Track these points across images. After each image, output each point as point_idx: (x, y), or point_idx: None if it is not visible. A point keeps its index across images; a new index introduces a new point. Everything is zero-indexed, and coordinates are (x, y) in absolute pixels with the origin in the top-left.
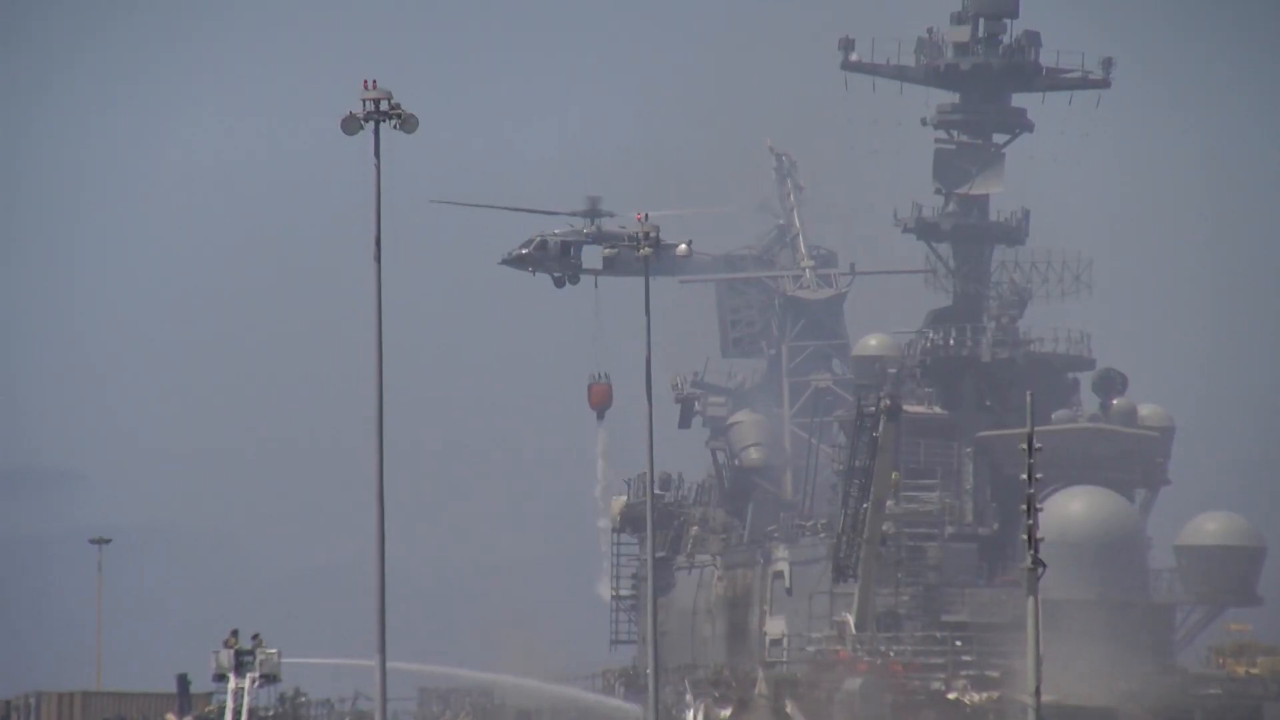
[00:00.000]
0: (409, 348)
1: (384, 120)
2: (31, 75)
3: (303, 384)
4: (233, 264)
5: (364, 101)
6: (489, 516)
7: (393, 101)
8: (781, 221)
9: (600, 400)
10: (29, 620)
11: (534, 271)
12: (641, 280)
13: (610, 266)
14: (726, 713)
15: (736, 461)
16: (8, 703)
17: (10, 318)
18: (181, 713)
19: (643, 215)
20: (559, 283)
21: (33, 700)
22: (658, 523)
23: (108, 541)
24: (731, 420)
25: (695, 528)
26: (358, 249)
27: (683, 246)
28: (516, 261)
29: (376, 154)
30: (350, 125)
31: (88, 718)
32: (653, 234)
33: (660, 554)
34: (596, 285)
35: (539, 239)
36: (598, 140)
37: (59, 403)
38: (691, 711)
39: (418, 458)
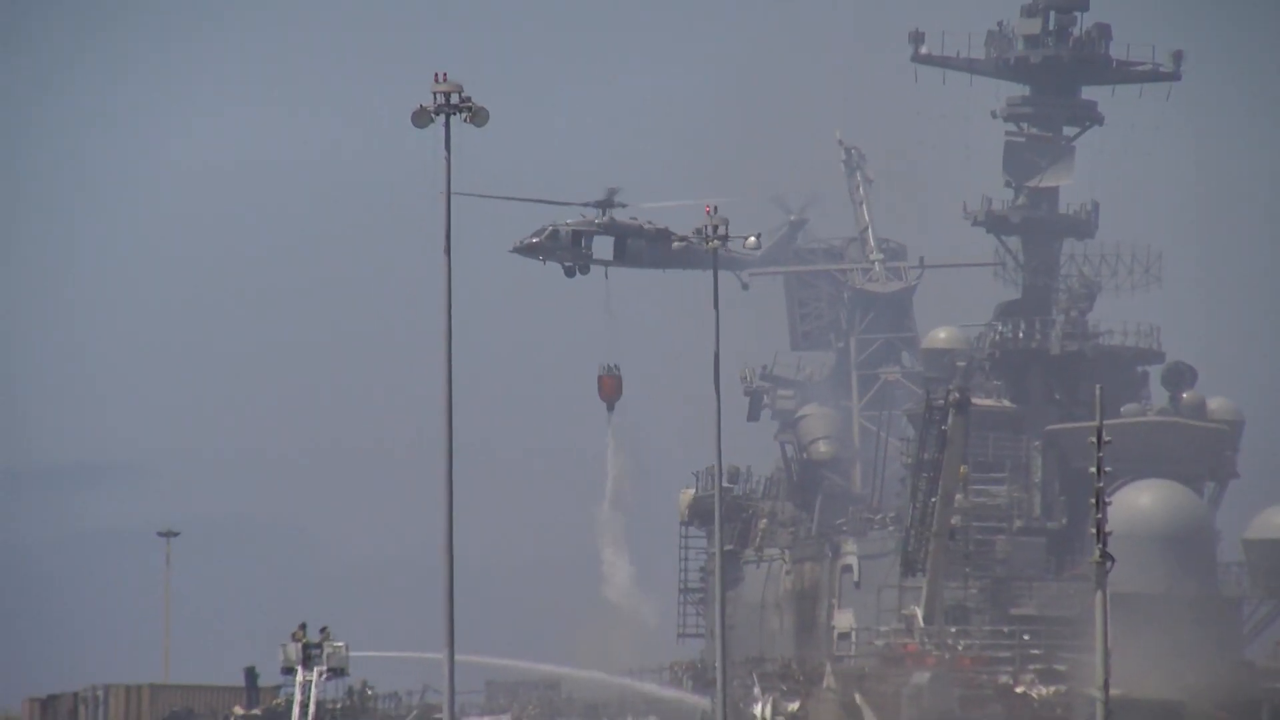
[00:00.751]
0: (433, 339)
1: (454, 113)
2: (64, 71)
3: (366, 377)
4: (290, 262)
5: (434, 94)
6: (553, 508)
7: (463, 95)
8: (793, 217)
9: (610, 392)
10: (97, 614)
11: (544, 260)
12: (656, 272)
13: (621, 257)
14: (794, 706)
15: (805, 455)
16: (76, 695)
17: (79, 313)
18: (249, 706)
19: (712, 208)
20: (569, 272)
21: (100, 693)
22: (726, 516)
23: (175, 535)
24: (800, 413)
25: (764, 521)
26: (410, 243)
27: (751, 239)
28: (527, 250)
29: (448, 147)
30: (420, 118)
31: (155, 711)
32: (722, 227)
33: (728, 547)
34: (607, 276)
35: (550, 228)
36: (658, 130)
37: (126, 397)
38: (759, 705)
39: (475, 448)
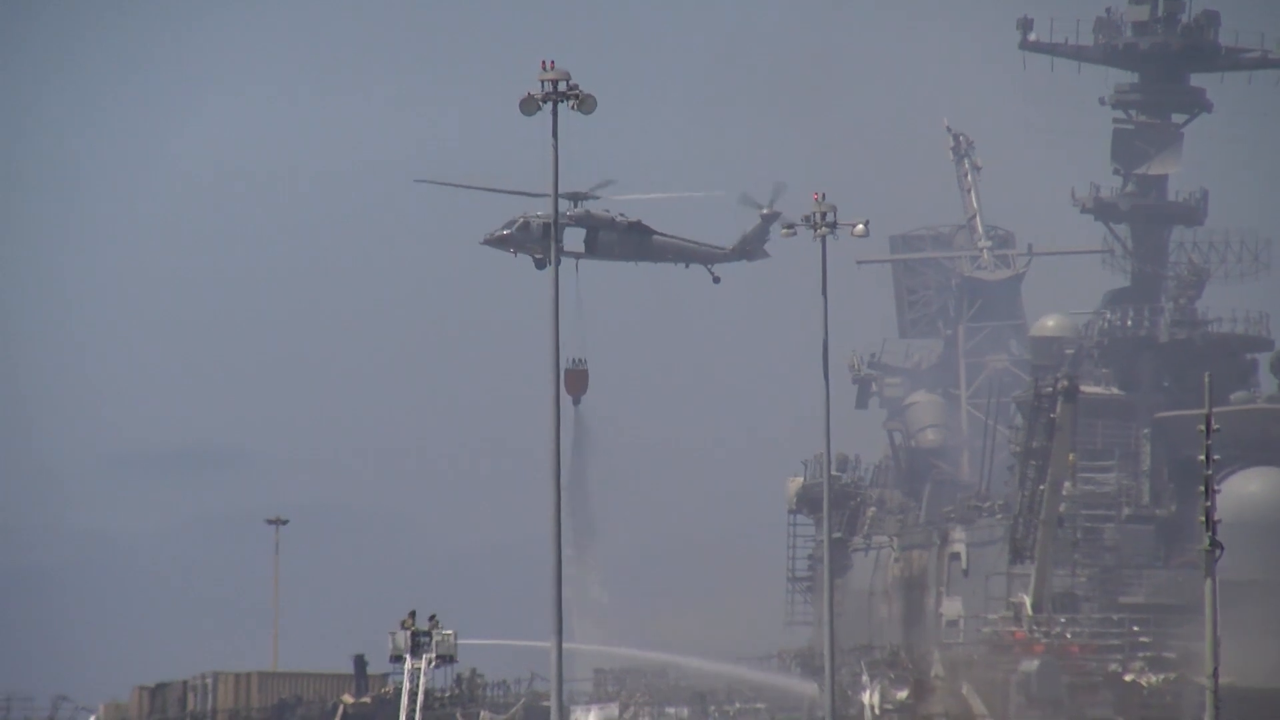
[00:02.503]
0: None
1: (562, 100)
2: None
3: (472, 366)
4: (390, 259)
5: (541, 82)
6: (667, 499)
7: (570, 82)
8: (765, 210)
9: (576, 386)
10: (205, 601)
11: (515, 253)
12: (620, 264)
13: (593, 250)
14: (903, 694)
15: (913, 442)
16: (185, 683)
17: (191, 302)
18: (358, 693)
19: (819, 195)
20: (540, 264)
21: (209, 680)
22: (834, 503)
23: (284, 522)
24: (908, 401)
25: (872, 508)
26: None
27: (860, 226)
28: (498, 242)
29: (554, 134)
30: (528, 106)
31: (264, 698)
32: (830, 214)
33: (837, 535)
34: (577, 268)
35: (521, 220)
36: (739, 115)
37: (235, 384)
38: (868, 692)
39: (596, 437)
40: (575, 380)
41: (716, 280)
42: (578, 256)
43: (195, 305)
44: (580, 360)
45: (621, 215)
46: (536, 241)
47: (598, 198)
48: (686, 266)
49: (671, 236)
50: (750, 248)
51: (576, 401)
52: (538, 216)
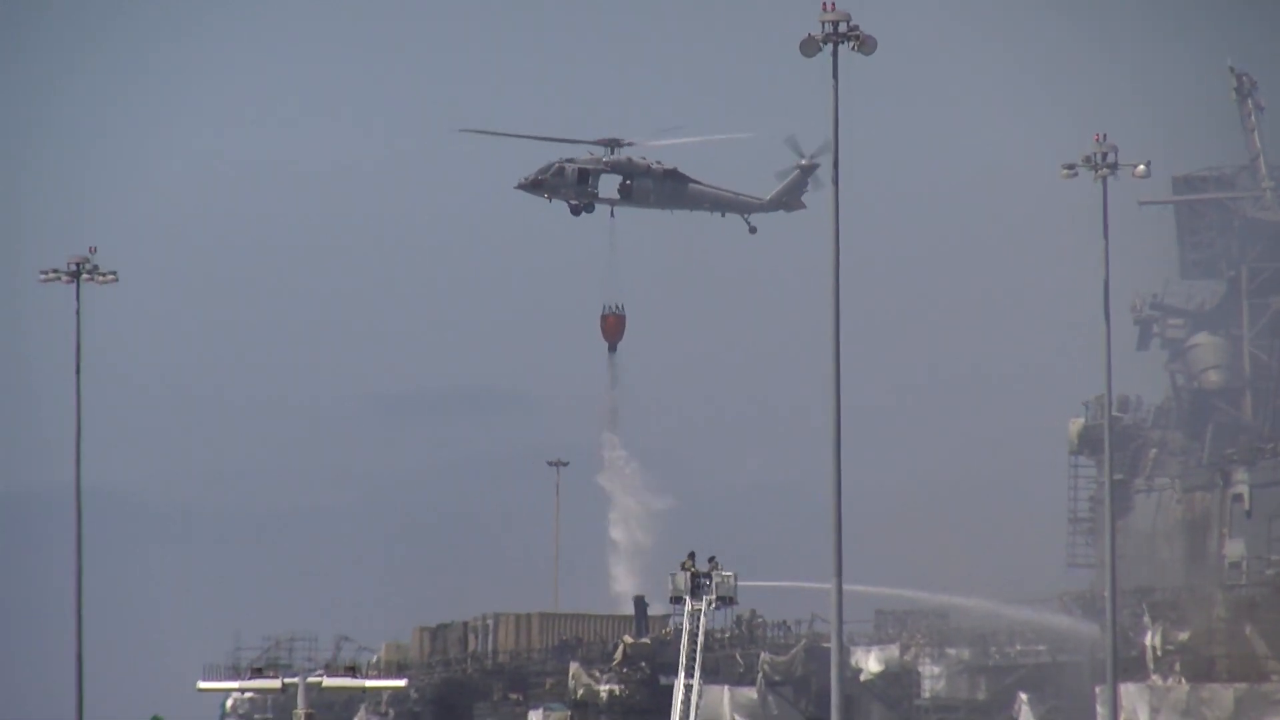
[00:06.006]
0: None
1: (842, 42)
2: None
3: (748, 311)
4: None
5: (822, 24)
6: (942, 437)
7: (850, 23)
8: (804, 161)
9: (614, 332)
10: (487, 542)
11: (550, 198)
12: (660, 212)
13: (627, 196)
14: (1184, 635)
15: (1195, 384)
16: (465, 624)
17: (472, 246)
18: (638, 634)
19: (1101, 135)
20: (575, 210)
21: (490, 622)
22: (1116, 445)
23: (565, 464)
24: (1191, 342)
25: (1154, 450)
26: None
27: (1140, 167)
28: (533, 186)
29: (835, 75)
30: (809, 47)
31: (544, 639)
32: (1111, 155)
33: (1118, 476)
34: (613, 215)
35: (557, 165)
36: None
37: (515, 327)
38: (1149, 634)
39: (868, 375)
40: (612, 326)
41: (753, 230)
42: (613, 203)
43: (480, 248)
44: (618, 306)
45: (658, 163)
46: (571, 187)
47: (632, 144)
48: (723, 215)
49: (707, 185)
50: (788, 199)
51: (613, 348)
52: (573, 162)
